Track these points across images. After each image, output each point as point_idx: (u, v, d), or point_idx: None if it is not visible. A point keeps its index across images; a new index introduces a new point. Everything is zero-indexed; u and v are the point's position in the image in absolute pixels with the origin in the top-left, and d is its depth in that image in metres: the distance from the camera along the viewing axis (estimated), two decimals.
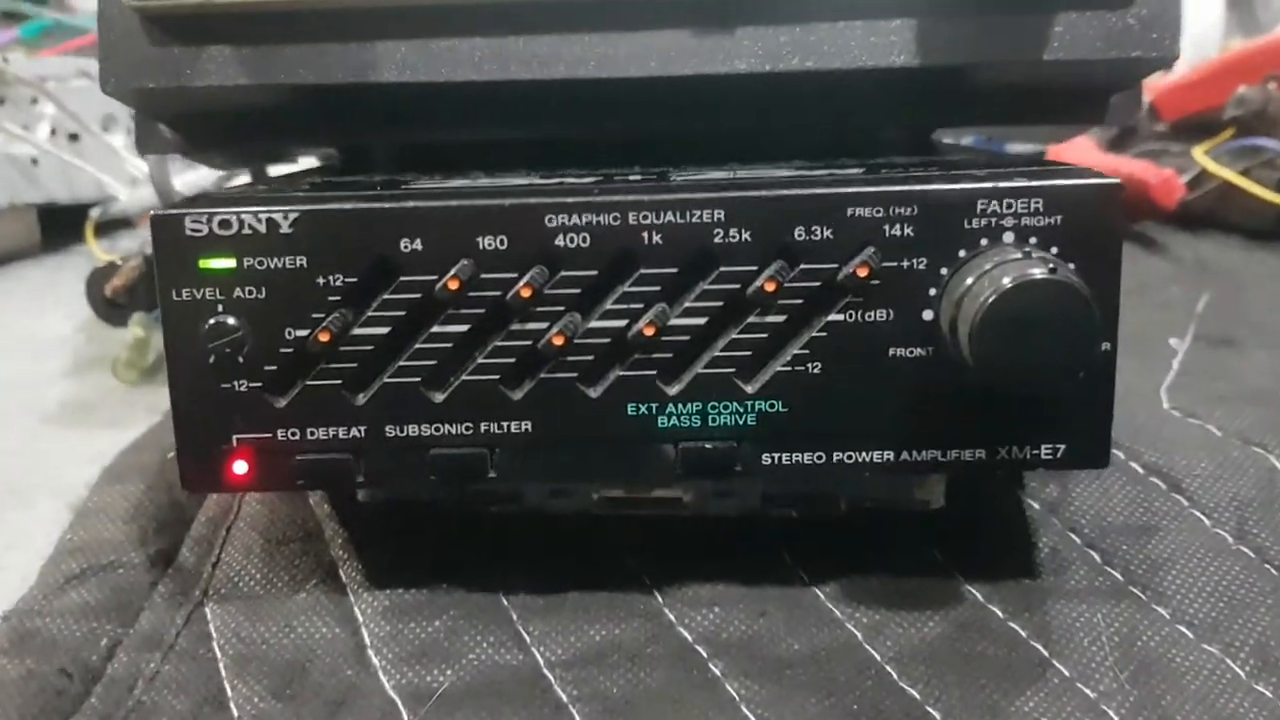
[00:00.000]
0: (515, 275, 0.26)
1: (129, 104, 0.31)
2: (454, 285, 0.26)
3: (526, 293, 0.26)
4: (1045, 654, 0.27)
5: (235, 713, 0.27)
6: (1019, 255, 0.25)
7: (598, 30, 0.28)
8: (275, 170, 0.47)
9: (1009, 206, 0.25)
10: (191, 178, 0.60)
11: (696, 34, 0.28)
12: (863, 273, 0.26)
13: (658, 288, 0.26)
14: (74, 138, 0.69)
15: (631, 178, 0.28)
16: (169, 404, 0.27)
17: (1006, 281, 0.24)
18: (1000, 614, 0.28)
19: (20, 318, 0.59)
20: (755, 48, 0.28)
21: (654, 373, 0.27)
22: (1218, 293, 0.49)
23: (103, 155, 0.66)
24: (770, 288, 0.26)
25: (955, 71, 0.29)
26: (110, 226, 0.63)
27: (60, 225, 0.71)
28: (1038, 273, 0.24)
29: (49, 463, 0.39)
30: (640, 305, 0.26)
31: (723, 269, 0.26)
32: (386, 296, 0.26)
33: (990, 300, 0.24)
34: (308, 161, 0.47)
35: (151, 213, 0.26)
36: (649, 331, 0.26)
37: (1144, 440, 0.33)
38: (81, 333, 0.54)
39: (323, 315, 0.26)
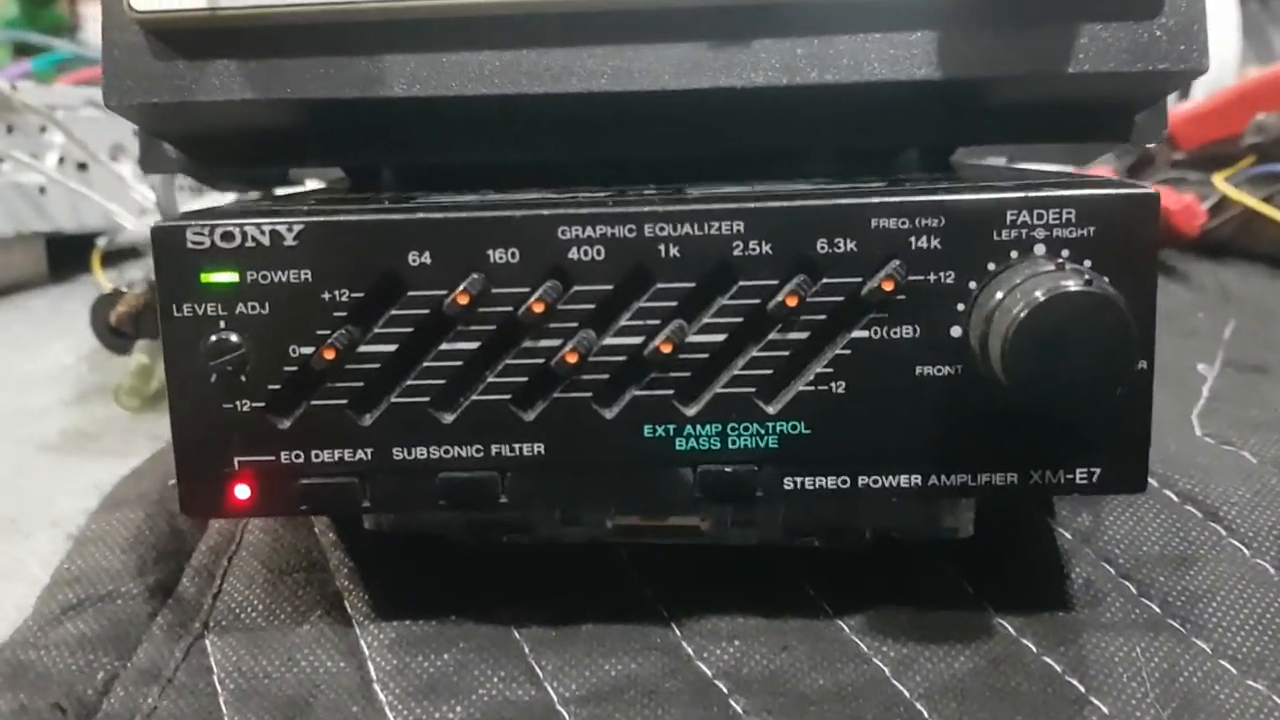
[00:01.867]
0: (527, 290, 0.25)
1: (133, 120, 0.31)
2: (463, 300, 0.25)
3: (539, 308, 0.25)
4: (1083, 690, 0.26)
5: None
6: (1051, 267, 0.24)
7: (611, 43, 0.27)
8: (282, 194, 0.46)
9: (1040, 217, 0.24)
10: (198, 205, 0.59)
11: (712, 46, 0.28)
12: (888, 287, 0.25)
13: (675, 303, 0.25)
14: (82, 167, 0.69)
15: (646, 193, 0.27)
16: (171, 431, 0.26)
17: (1040, 295, 0.23)
18: (1034, 648, 0.27)
19: (23, 347, 0.58)
20: (772, 60, 0.27)
21: (671, 392, 0.26)
22: (1245, 320, 0.48)
23: (111, 185, 0.65)
24: (792, 303, 0.25)
25: (977, 85, 0.28)
26: (117, 256, 0.62)
27: (68, 255, 0.70)
28: (1073, 285, 0.23)
29: (46, 492, 0.38)
30: (657, 321, 0.25)
31: (742, 283, 0.25)
32: (394, 312, 0.25)
33: (1023, 315, 0.23)
34: (315, 185, 0.46)
35: (153, 224, 0.25)
36: (666, 349, 0.25)
37: (1177, 467, 0.32)
38: (85, 362, 0.54)
39: (328, 332, 0.25)
